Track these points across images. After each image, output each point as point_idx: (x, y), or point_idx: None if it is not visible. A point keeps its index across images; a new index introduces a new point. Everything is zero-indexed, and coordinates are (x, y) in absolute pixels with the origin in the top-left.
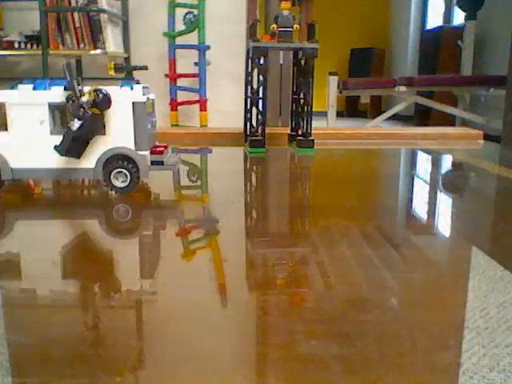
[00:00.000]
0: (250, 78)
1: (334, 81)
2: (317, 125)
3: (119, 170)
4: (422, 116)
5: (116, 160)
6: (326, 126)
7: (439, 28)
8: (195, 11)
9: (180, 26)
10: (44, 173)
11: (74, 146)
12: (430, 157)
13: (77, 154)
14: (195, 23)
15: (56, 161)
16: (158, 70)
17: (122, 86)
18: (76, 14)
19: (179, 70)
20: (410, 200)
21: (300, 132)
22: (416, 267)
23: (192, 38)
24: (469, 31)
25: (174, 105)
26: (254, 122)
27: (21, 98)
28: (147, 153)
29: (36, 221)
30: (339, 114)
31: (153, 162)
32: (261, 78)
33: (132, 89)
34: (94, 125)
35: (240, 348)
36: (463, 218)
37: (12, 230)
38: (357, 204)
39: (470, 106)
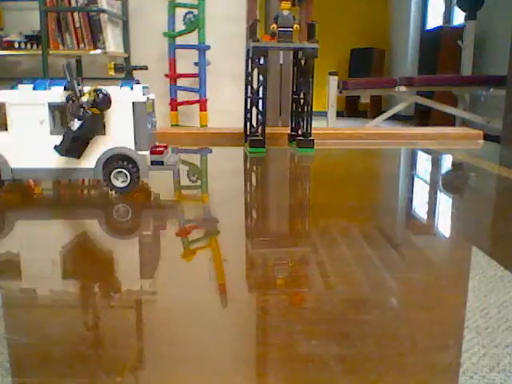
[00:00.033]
0: (250, 78)
1: (334, 81)
2: (317, 125)
3: (119, 170)
4: (421, 116)
5: (116, 160)
6: (326, 126)
7: (439, 28)
8: (195, 11)
9: (180, 25)
10: (44, 173)
11: (73, 146)
12: (429, 157)
13: (77, 154)
14: (195, 23)
15: (56, 161)
16: (158, 69)
17: (122, 86)
18: (76, 14)
19: (179, 69)
20: (410, 200)
21: (300, 132)
22: (416, 267)
23: (192, 38)
24: (469, 31)
25: (174, 105)
26: (254, 122)
27: (21, 98)
28: (147, 153)
29: (36, 220)
30: (339, 114)
31: (153, 162)
32: (261, 77)
33: (132, 89)
34: (94, 125)
35: (240, 348)
36: (463, 218)
37: (12, 230)
38: (357, 204)
39: (469, 106)
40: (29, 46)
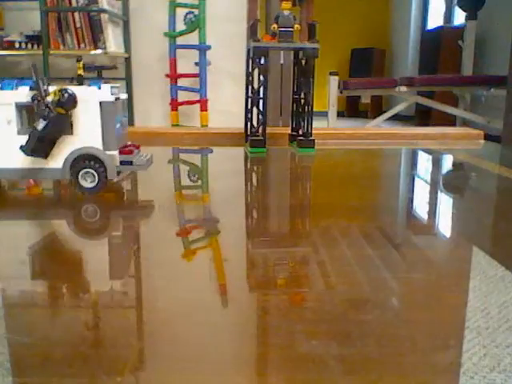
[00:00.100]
0: (250, 78)
1: (334, 81)
2: (317, 125)
3: (86, 170)
4: (422, 116)
5: (83, 160)
6: (327, 126)
7: (440, 28)
8: (196, 11)
9: (181, 25)
10: (11, 173)
11: (40, 145)
12: (430, 157)
13: (43, 154)
14: (196, 23)
15: (23, 161)
16: (158, 69)
17: (89, 86)
18: (77, 14)
19: (180, 69)
20: (411, 200)
21: (301, 132)
22: (417, 267)
23: (193, 38)
24: (469, 31)
25: (175, 105)
26: (254, 122)
27: None
28: (116, 153)
29: (36, 221)
30: (340, 114)
31: (122, 162)
32: (261, 77)
33: (100, 88)
34: (60, 124)
35: (240, 348)
36: (464, 218)
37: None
38: (357, 204)
39: (470, 106)
40: (29, 45)
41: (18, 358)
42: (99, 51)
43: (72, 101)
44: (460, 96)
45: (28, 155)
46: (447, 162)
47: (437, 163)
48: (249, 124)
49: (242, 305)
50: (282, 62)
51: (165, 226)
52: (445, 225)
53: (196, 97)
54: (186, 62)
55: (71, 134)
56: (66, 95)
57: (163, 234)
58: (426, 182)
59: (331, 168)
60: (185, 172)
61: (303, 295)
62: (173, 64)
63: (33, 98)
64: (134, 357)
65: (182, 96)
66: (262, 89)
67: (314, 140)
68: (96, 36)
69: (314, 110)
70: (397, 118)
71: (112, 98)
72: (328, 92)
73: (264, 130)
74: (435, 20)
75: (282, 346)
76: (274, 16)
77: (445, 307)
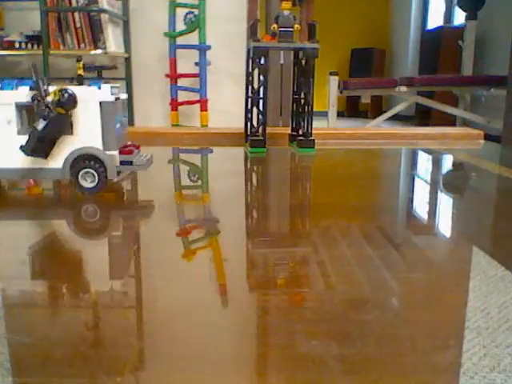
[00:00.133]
0: (250, 78)
1: (334, 81)
2: (317, 125)
3: (86, 170)
4: (422, 116)
5: (83, 160)
6: (327, 126)
7: (440, 28)
8: (196, 11)
9: (181, 25)
10: (11, 173)
11: (40, 145)
12: (430, 157)
13: (43, 154)
14: (196, 23)
15: (23, 161)
16: (158, 69)
17: (89, 86)
18: (77, 14)
19: (180, 69)
20: (411, 200)
21: (301, 132)
22: (417, 267)
23: (193, 38)
24: (469, 31)
25: (175, 105)
26: (254, 122)
27: None
28: (116, 152)
29: (37, 221)
30: (340, 114)
31: (122, 162)
32: (261, 77)
33: (100, 88)
34: (60, 124)
35: (240, 348)
36: (464, 218)
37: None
38: (357, 204)
39: (470, 106)
40: (29, 45)
41: (17, 358)
42: (99, 51)
43: (72, 101)
44: (460, 96)
45: (28, 155)
46: (447, 162)
47: (437, 163)
48: (249, 124)
49: (242, 305)
50: (282, 62)
51: (165, 226)
52: (445, 225)
53: (196, 97)
54: (186, 62)
55: (71, 133)
56: (66, 95)
57: (163, 234)
58: (426, 182)
59: (331, 168)
60: (185, 172)
61: (303, 295)
62: (173, 64)
63: (33, 98)
64: (134, 357)
65: (182, 96)
66: (261, 89)
67: (313, 140)
68: (96, 36)
69: (314, 110)
70: (397, 118)
71: (112, 98)
72: (328, 92)
73: (264, 130)
74: (435, 20)
75: (282, 345)
76: (274, 16)
77: (445, 307)
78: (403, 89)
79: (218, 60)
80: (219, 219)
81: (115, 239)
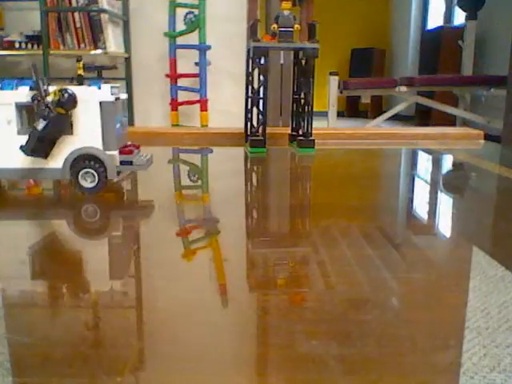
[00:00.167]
0: (250, 78)
1: (334, 81)
2: (317, 125)
3: (86, 170)
4: (422, 116)
5: (83, 160)
6: (327, 126)
7: (440, 28)
8: (196, 11)
9: (181, 25)
10: (11, 173)
11: (40, 145)
12: (430, 157)
13: (43, 154)
14: (196, 23)
15: (23, 161)
16: (158, 69)
17: (89, 86)
18: (77, 14)
19: (180, 69)
20: (411, 200)
21: (301, 132)
22: (417, 267)
23: (193, 38)
24: (469, 31)
25: (175, 105)
26: (254, 122)
27: None
28: (116, 153)
29: (39, 221)
30: (340, 114)
31: (122, 162)
32: (261, 77)
33: (100, 88)
34: (60, 124)
35: (240, 348)
36: (464, 218)
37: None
38: (357, 204)
39: (470, 106)
40: (29, 45)
41: (17, 358)
42: (99, 51)
43: (72, 101)
44: (460, 96)
45: (28, 155)
46: (447, 162)
47: (437, 163)
48: (249, 124)
49: (242, 305)
50: (282, 62)
51: (165, 225)
52: (445, 225)
53: (196, 97)
54: (186, 62)
55: (71, 133)
56: (66, 95)
57: (163, 234)
58: (426, 182)
59: (331, 168)
60: (185, 172)
61: (303, 295)
62: (173, 64)
63: (33, 98)
64: (134, 357)
65: (182, 96)
66: (261, 89)
67: (313, 140)
68: (96, 36)
69: (314, 110)
70: (397, 118)
71: (112, 98)
72: (328, 92)
73: (264, 130)
74: (435, 20)
75: (282, 345)
76: (274, 16)
77: (445, 307)
78: (403, 89)
79: (218, 60)
80: (219, 219)
81: (115, 239)
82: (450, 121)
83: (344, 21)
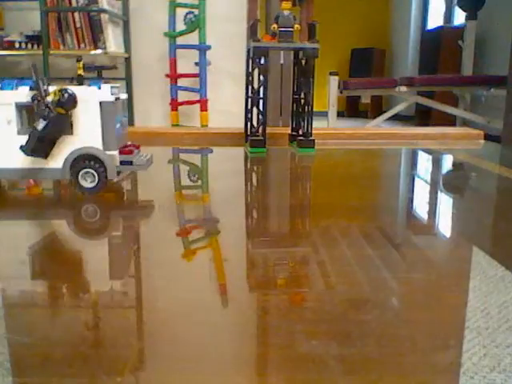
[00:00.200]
0: (250, 78)
1: (334, 81)
2: (317, 125)
3: (86, 170)
4: (422, 116)
5: (83, 160)
6: (327, 126)
7: (440, 28)
8: (196, 11)
9: (181, 25)
10: (11, 173)
11: (40, 145)
12: (430, 157)
13: (43, 154)
14: (196, 23)
15: (23, 161)
16: (158, 69)
17: (89, 86)
18: (77, 14)
19: (180, 69)
20: (411, 200)
21: (301, 132)
22: (417, 267)
23: (193, 38)
24: (469, 31)
25: (175, 105)
26: (254, 122)
27: None
28: (116, 153)
29: (41, 220)
30: (340, 114)
31: (122, 162)
32: (261, 77)
33: (100, 88)
34: (60, 124)
35: (240, 348)
36: (464, 218)
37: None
38: (357, 204)
39: (470, 106)
40: (29, 45)
41: (17, 358)
42: (99, 51)
43: (72, 101)
44: (460, 96)
45: (28, 155)
46: (447, 162)
47: (437, 163)
48: (249, 124)
49: (242, 305)
50: (282, 62)
51: (165, 225)
52: (445, 225)
53: (196, 97)
54: (186, 62)
55: (71, 133)
56: (66, 95)
57: (163, 234)
58: (426, 182)
59: (331, 168)
60: (185, 172)
61: (303, 295)
62: (173, 64)
63: (33, 98)
64: (134, 357)
65: (182, 96)
66: (261, 89)
67: (313, 140)
68: (96, 36)
69: (314, 110)
70: (397, 118)
71: (112, 98)
72: (328, 92)
73: (264, 130)
74: (435, 20)
75: (282, 345)
76: (274, 16)
77: (445, 307)
78: (403, 89)
79: (218, 60)
80: (219, 219)
81: (115, 239)
82: (450, 121)
83: (344, 21)
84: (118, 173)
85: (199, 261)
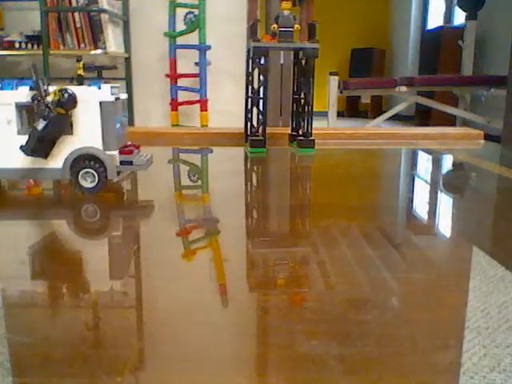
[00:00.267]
0: (250, 78)
1: (334, 81)
2: (317, 125)
3: (86, 170)
4: (422, 116)
5: (83, 160)
6: (327, 126)
7: (440, 28)
8: (196, 11)
9: (181, 25)
10: (11, 173)
11: (40, 145)
12: (430, 157)
13: (43, 154)
14: (196, 23)
15: (23, 161)
16: (158, 69)
17: (89, 86)
18: (77, 14)
19: (180, 69)
20: (411, 200)
21: (301, 132)
22: (417, 267)
23: (193, 38)
24: (469, 31)
25: (175, 105)
26: (254, 122)
27: None
28: (116, 152)
29: (42, 220)
30: (340, 114)
31: (122, 162)
32: (261, 77)
33: (100, 88)
34: (60, 124)
35: (240, 348)
36: (464, 218)
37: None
38: (357, 204)
39: (470, 106)
40: (29, 45)
41: (17, 358)
42: (99, 51)
43: (72, 101)
44: (460, 96)
45: (28, 155)
46: (447, 162)
47: (437, 163)
48: (249, 124)
49: (242, 305)
50: (282, 62)
51: (165, 225)
52: (445, 225)
53: (196, 97)
54: (186, 62)
55: (71, 133)
56: (66, 95)
57: (163, 234)
58: (426, 182)
59: (331, 168)
60: (185, 172)
61: (303, 295)
62: (173, 64)
63: (33, 98)
64: (134, 357)
65: (182, 96)
66: (261, 89)
67: (313, 140)
68: (96, 36)
69: (314, 110)
70: (397, 118)
71: (112, 98)
72: (328, 92)
73: (264, 129)
74: (435, 20)
75: (282, 345)
76: (274, 16)
77: (445, 307)
78: (403, 89)
79: (218, 60)
80: (219, 219)
81: (115, 239)
82: (450, 121)
83: (344, 21)
84: (118, 173)
85: (199, 261)
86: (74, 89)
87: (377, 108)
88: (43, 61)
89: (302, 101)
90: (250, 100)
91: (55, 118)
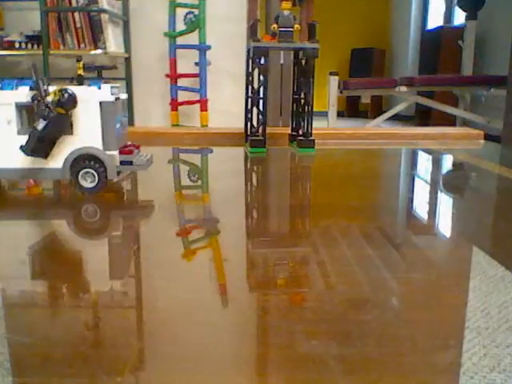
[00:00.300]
0: (250, 78)
1: (334, 81)
2: (317, 125)
3: (86, 170)
4: (422, 116)
5: (83, 160)
6: (327, 126)
7: (440, 28)
8: (196, 11)
9: (181, 25)
10: (11, 173)
11: (40, 145)
12: (430, 157)
13: (43, 154)
14: (196, 23)
15: (23, 161)
16: (158, 69)
17: (89, 86)
18: (77, 14)
19: (180, 69)
20: (411, 200)
21: (301, 132)
22: (417, 267)
23: (193, 38)
24: (469, 31)
25: (175, 105)
26: (254, 122)
27: None
28: (116, 152)
29: (42, 220)
30: (340, 114)
31: (122, 162)
32: (261, 77)
33: (100, 88)
34: (60, 124)
35: (240, 348)
36: (464, 218)
37: None
38: (357, 204)
39: (470, 106)
40: (29, 45)
41: (17, 358)
42: (99, 51)
43: (72, 101)
44: (460, 96)
45: (28, 155)
46: (447, 162)
47: (437, 163)
48: (249, 124)
49: (242, 305)
50: (282, 62)
51: (165, 225)
52: (445, 225)
53: (196, 97)
54: (186, 62)
55: (71, 133)
56: (66, 95)
57: (163, 234)
58: (426, 182)
59: (331, 168)
60: (185, 172)
61: (303, 295)
62: (173, 64)
63: (33, 98)
64: (134, 357)
65: (182, 96)
66: (261, 89)
67: (313, 140)
68: (96, 36)
69: (314, 110)
70: (397, 118)
71: (112, 98)
72: (328, 92)
73: (264, 130)
74: (435, 20)
75: (282, 345)
76: (274, 16)
77: (445, 307)
78: (403, 89)
79: (218, 60)
80: (219, 219)
81: (115, 239)
82: (450, 121)
83: (344, 21)
84: (118, 173)
85: (199, 261)
86: (73, 89)
87: (377, 108)
88: (43, 61)
89: (302, 101)
90: (250, 100)
91: (55, 118)
